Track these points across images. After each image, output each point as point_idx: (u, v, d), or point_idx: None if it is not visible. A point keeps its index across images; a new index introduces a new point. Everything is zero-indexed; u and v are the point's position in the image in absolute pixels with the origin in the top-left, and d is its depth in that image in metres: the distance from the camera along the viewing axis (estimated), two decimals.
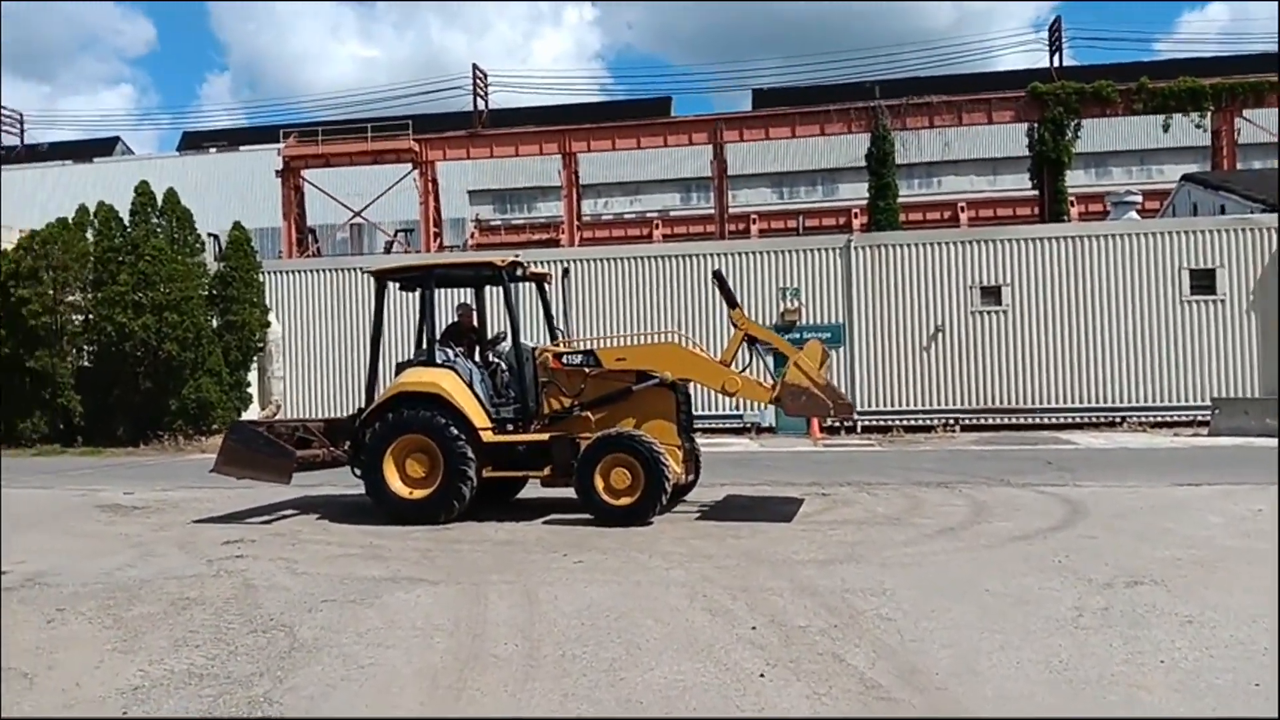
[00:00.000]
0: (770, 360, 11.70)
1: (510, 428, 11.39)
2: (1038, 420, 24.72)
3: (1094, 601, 6.86)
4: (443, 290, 13.27)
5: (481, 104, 52.07)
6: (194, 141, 67.26)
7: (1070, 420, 24.56)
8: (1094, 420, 24.48)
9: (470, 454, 10.88)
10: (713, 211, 45.76)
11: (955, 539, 9.47)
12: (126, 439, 24.34)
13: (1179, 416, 24.11)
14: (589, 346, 11.65)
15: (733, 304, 11.45)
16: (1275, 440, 17.92)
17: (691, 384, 11.85)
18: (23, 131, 66.73)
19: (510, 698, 5.24)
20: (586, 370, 11.24)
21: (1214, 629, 6.14)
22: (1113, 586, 7.30)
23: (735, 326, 11.30)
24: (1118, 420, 24.38)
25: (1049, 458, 17.66)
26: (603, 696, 5.21)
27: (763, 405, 24.72)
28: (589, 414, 11.21)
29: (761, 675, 5.43)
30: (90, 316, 25.21)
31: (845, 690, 5.18)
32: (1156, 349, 24.62)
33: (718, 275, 11.80)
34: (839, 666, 5.55)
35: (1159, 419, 24.20)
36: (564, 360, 11.31)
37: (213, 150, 62.53)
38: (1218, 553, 8.52)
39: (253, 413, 25.62)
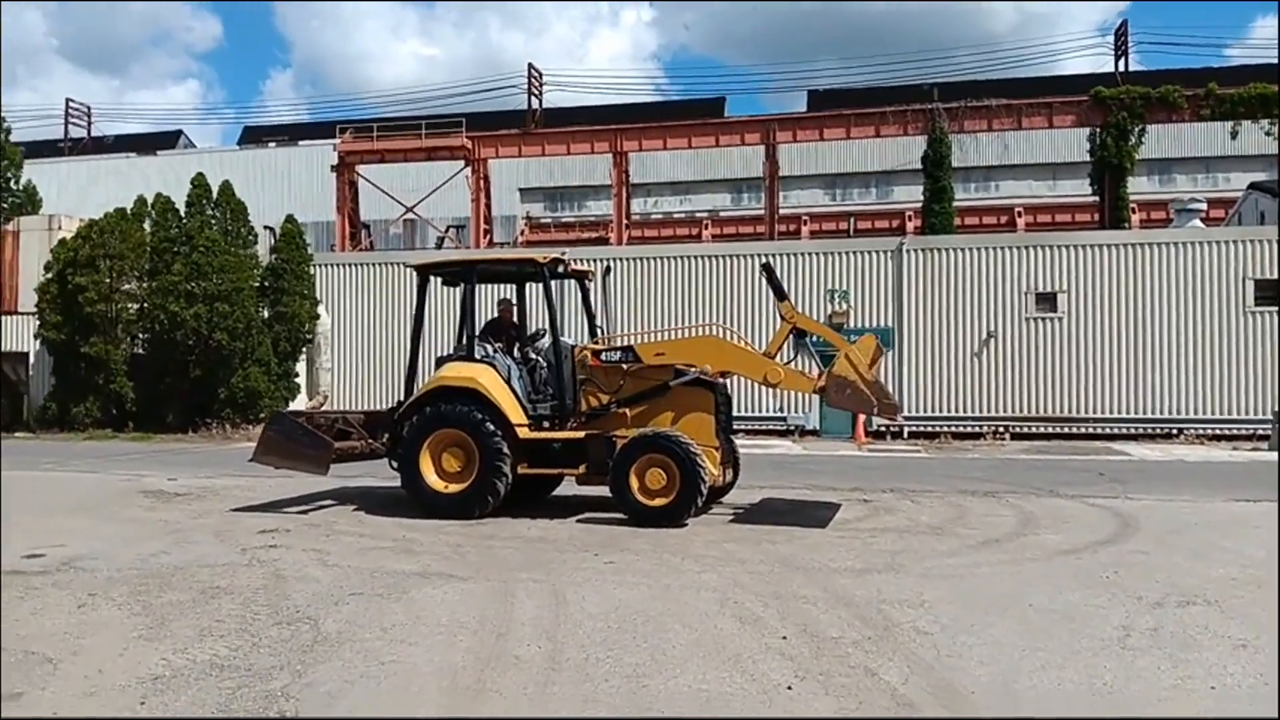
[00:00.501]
0: (816, 360, 11.37)
1: (547, 425, 11.30)
2: (1091, 430, 24.11)
3: (1143, 621, 6.56)
4: (484, 286, 13.27)
5: (536, 103, 52.20)
6: (254, 136, 68.26)
7: (1125, 431, 23.93)
8: (1149, 431, 23.81)
9: (506, 450, 10.80)
10: (763, 212, 45.38)
11: (1000, 551, 9.17)
12: (176, 426, 24.75)
13: (1238, 430, 23.37)
14: (628, 343, 11.49)
15: (781, 296, 11.23)
16: (1276, 454, 17.15)
17: (734, 380, 11.65)
18: (90, 124, 68.19)
19: (529, 701, 5.11)
20: (625, 366, 11.10)
21: (1269, 654, 5.82)
22: (1163, 606, 6.99)
23: (783, 319, 11.04)
24: (1174, 432, 23.70)
25: (1101, 469, 17.17)
26: (623, 704, 5.05)
27: (807, 396, 24.48)
28: (626, 411, 11.06)
29: (789, 688, 5.24)
30: (144, 305, 25.67)
31: (875, 707, 4.97)
32: (1217, 360, 23.89)
33: (766, 267, 11.60)
34: (870, 681, 5.34)
35: (1217, 432, 23.48)
36: (602, 357, 11.18)
37: (272, 145, 63.39)
38: (1275, 573, 8.13)
39: (300, 403, 25.90)
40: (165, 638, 6.38)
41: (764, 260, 12.67)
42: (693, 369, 10.89)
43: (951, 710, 4.93)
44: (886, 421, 10.86)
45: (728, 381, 11.65)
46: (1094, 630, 6.32)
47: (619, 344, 11.51)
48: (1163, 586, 7.56)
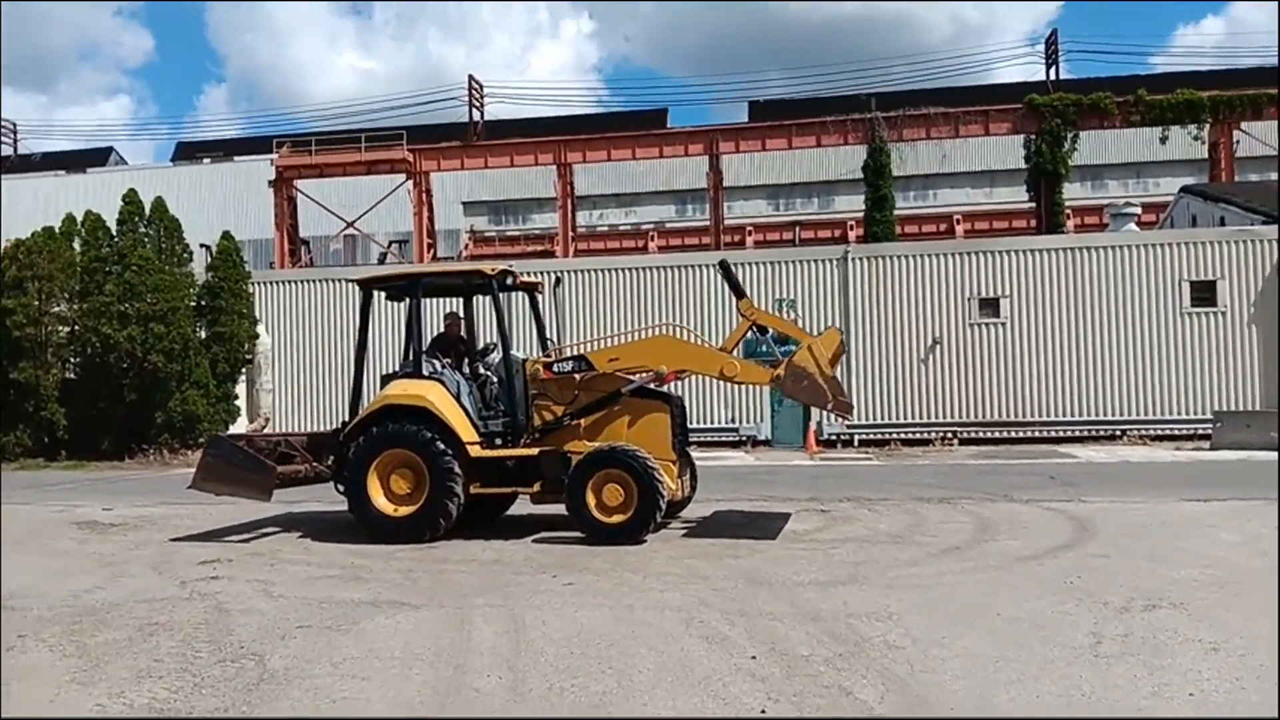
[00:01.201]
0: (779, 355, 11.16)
1: (499, 442, 11.01)
2: (1036, 434, 24.38)
3: (1112, 627, 6.49)
4: (431, 300, 12.95)
5: (477, 115, 51.82)
6: (188, 152, 66.85)
7: (1069, 434, 24.24)
8: (1093, 434, 24.15)
9: (457, 470, 10.49)
10: (708, 223, 45.47)
11: (962, 559, 9.10)
12: (111, 453, 23.90)
13: (1180, 430, 23.78)
14: (579, 352, 11.26)
15: (740, 294, 11.08)
16: (1277, 454, 17.57)
17: (686, 392, 11.49)
18: (16, 141, 66.33)
19: None
20: (578, 376, 10.87)
21: (1242, 657, 5.78)
22: (1130, 610, 6.94)
23: (743, 316, 10.88)
24: (1117, 434, 24.05)
25: (1051, 472, 17.31)
26: None
27: (758, 406, 24.43)
28: (581, 423, 10.83)
29: (763, 711, 5.05)
30: (75, 327, 24.81)
31: None
32: (1157, 361, 24.32)
33: (724, 265, 11.49)
34: (846, 701, 5.17)
35: (1159, 432, 23.87)
36: (555, 369, 10.94)
37: (206, 161, 62.18)
38: (1236, 573, 8.16)
39: (241, 426, 25.20)
40: (100, 680, 6.01)
41: (721, 259, 12.50)
42: (648, 372, 10.70)
43: None
44: (840, 418, 10.72)
45: (682, 394, 11.49)
46: (1065, 638, 6.24)
47: (570, 354, 11.28)
48: (1126, 591, 7.52)
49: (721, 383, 25.04)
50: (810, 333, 24.44)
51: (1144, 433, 23.89)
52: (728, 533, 10.83)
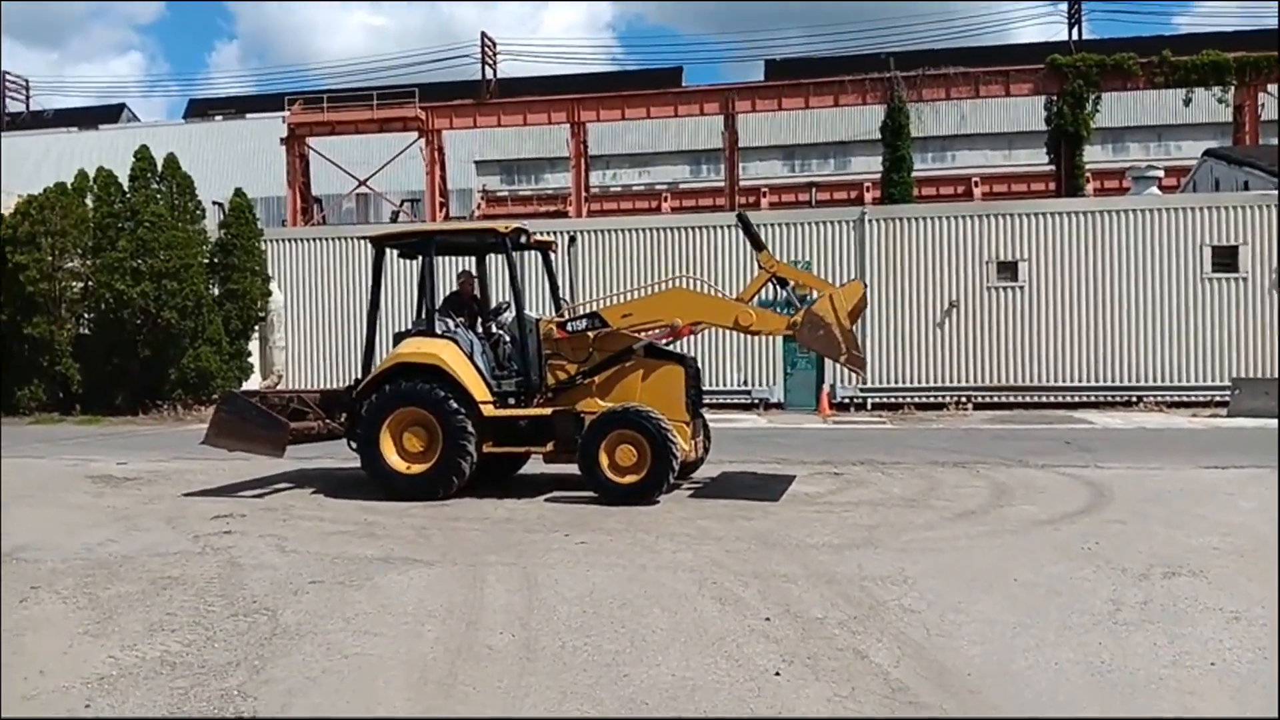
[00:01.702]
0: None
1: (512, 401, 10.95)
2: (1052, 399, 24.20)
3: (1131, 594, 6.42)
4: (444, 259, 12.85)
5: (490, 73, 51.34)
6: (200, 109, 66.56)
7: (1085, 399, 24.05)
8: (1110, 399, 23.97)
9: (470, 428, 10.45)
10: (723, 184, 45.08)
11: (977, 523, 9.03)
12: (125, 408, 23.99)
13: (1197, 396, 23.57)
14: (593, 309, 11.14)
15: (759, 246, 10.92)
16: (1277, 424, 17.34)
17: (699, 353, 11.37)
18: (29, 97, 66.15)
19: (504, 695, 4.83)
20: (591, 334, 10.78)
21: (1264, 626, 5.70)
22: (1149, 577, 6.85)
23: (761, 268, 10.71)
24: (1134, 400, 23.86)
25: (1067, 437, 17.19)
26: (603, 695, 4.79)
27: (772, 368, 24.32)
28: (595, 380, 10.73)
29: (777, 674, 5.00)
30: (89, 283, 24.79)
31: (869, 692, 4.75)
32: (1176, 327, 24.05)
33: (742, 217, 11.33)
34: (861, 664, 5.12)
35: (1176, 399, 23.67)
36: (568, 327, 10.84)
37: (218, 118, 61.86)
38: (1256, 541, 8.06)
39: (254, 383, 25.24)
40: (113, 633, 6.01)
41: (739, 211, 12.33)
42: (662, 326, 10.56)
43: (951, 695, 4.72)
44: (852, 373, 10.53)
45: (695, 355, 11.37)
46: (1083, 605, 6.16)
47: (583, 312, 11.16)
48: (1145, 557, 7.43)
49: (734, 344, 25.07)
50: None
51: (1161, 399, 23.69)
52: (740, 494, 10.78)
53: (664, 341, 10.94)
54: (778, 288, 10.77)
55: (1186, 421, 20.68)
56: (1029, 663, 5.12)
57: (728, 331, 10.87)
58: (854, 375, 24.57)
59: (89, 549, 8.42)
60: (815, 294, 10.66)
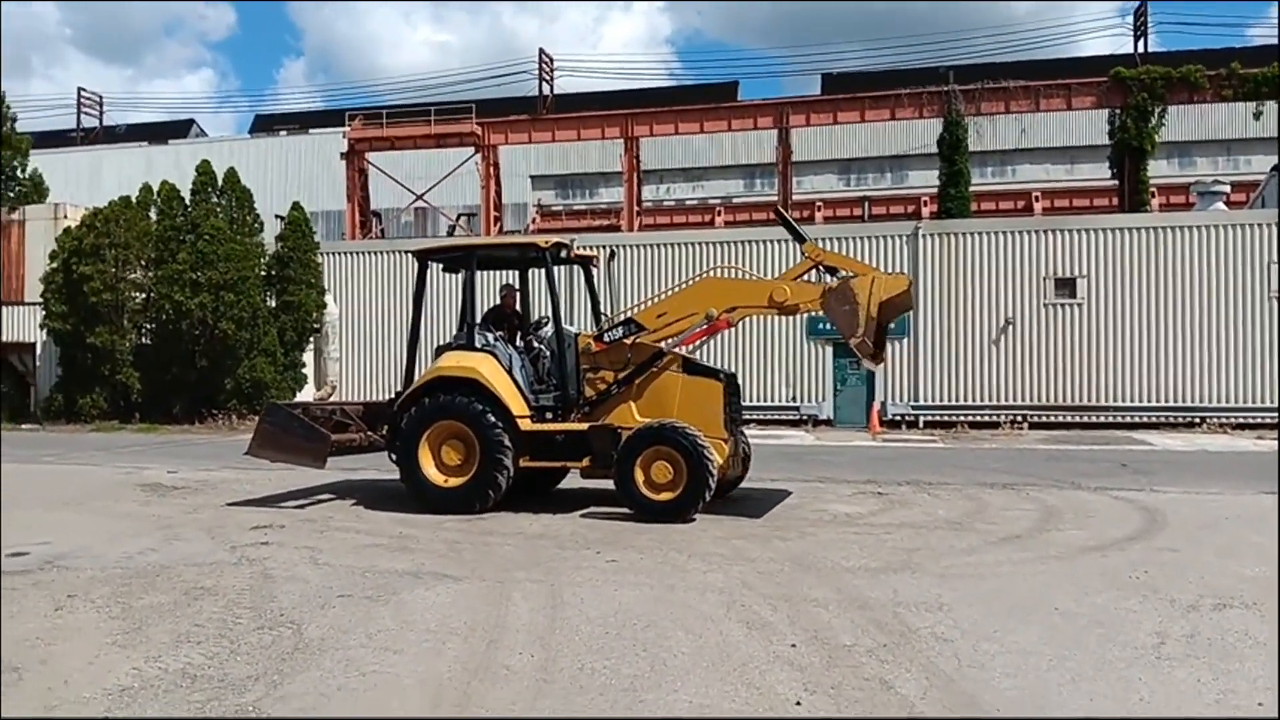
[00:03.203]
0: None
1: (549, 416, 10.90)
2: (1111, 419, 23.57)
3: (1177, 627, 6.14)
4: (488, 273, 12.89)
5: (547, 89, 51.70)
6: (265, 125, 68.01)
7: (1146, 420, 23.37)
8: (1171, 420, 23.26)
9: (507, 442, 10.43)
10: (776, 198, 44.77)
11: (1022, 548, 8.75)
12: (182, 417, 24.52)
13: (1262, 419, 22.78)
14: (628, 315, 11.03)
15: (801, 239, 10.71)
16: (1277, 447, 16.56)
17: (746, 370, 11.21)
18: (102, 113, 68.07)
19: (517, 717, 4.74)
20: (628, 340, 10.69)
21: None
22: (1198, 609, 6.56)
23: (805, 257, 10.45)
24: (1197, 421, 23.14)
25: (1123, 459, 16.69)
26: None
27: (821, 386, 24.01)
28: (632, 399, 10.61)
29: (798, 703, 4.85)
30: (150, 294, 25.41)
31: None
32: (1241, 346, 23.29)
33: (779, 211, 11.18)
34: (886, 696, 4.95)
35: (1240, 420, 22.91)
36: (605, 337, 10.77)
37: (282, 133, 63.12)
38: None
39: (308, 393, 25.63)
40: (140, 644, 6.05)
41: (776, 206, 12.17)
42: (696, 318, 10.42)
43: None
44: (863, 360, 10.18)
45: (738, 372, 11.19)
46: (1126, 637, 5.91)
47: (619, 320, 11.05)
48: (1196, 587, 7.13)
49: (783, 359, 24.81)
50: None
51: (1225, 420, 22.95)
52: (779, 514, 10.60)
53: (702, 339, 10.77)
54: (825, 275, 10.49)
55: (1251, 444, 19.99)
56: (1062, 698, 4.90)
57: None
58: (904, 392, 24.26)
59: (129, 557, 8.54)
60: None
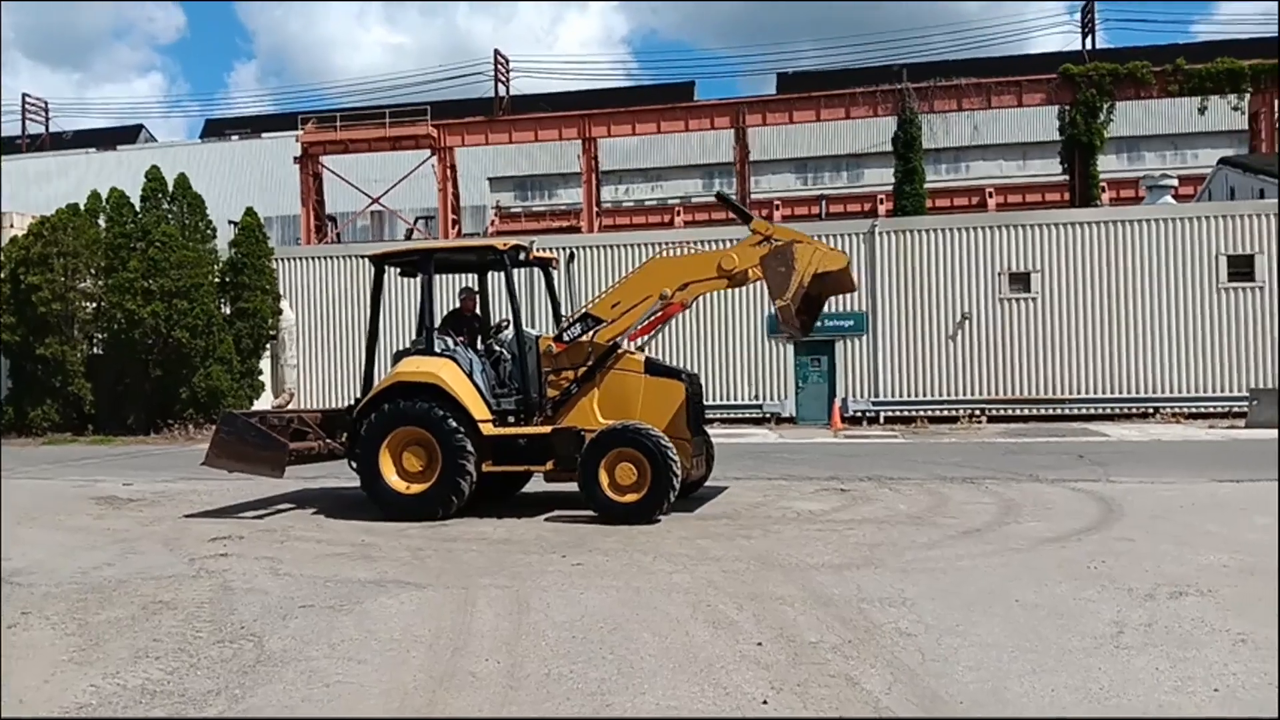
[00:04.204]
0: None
1: (512, 420, 10.86)
2: (1067, 411, 23.97)
3: (1135, 615, 6.25)
4: (447, 276, 12.81)
5: (503, 90, 51.51)
6: (216, 129, 67.11)
7: (1101, 411, 23.80)
8: (1126, 411, 23.72)
9: (469, 447, 10.37)
10: (735, 198, 44.95)
11: (982, 541, 8.86)
12: (137, 427, 24.12)
13: (1215, 408, 23.30)
14: (581, 312, 10.98)
15: (747, 218, 10.84)
16: (1278, 435, 17.02)
17: (709, 369, 11.23)
18: (48, 119, 66.75)
19: None
20: (586, 339, 10.68)
21: (1272, 649, 5.51)
22: (1155, 597, 6.68)
23: (754, 233, 10.53)
24: (1150, 411, 23.61)
25: (1080, 451, 16.95)
26: None
27: (782, 384, 24.16)
28: (595, 398, 10.58)
29: (765, 702, 4.87)
30: (101, 304, 24.95)
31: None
32: (1192, 337, 23.80)
33: (720, 195, 11.26)
34: (852, 692, 4.98)
35: (1193, 410, 23.41)
36: (564, 336, 10.74)
37: (234, 137, 62.32)
38: (1268, 559, 7.84)
39: (265, 401, 25.31)
40: (98, 660, 5.93)
41: (717, 190, 12.23)
42: (651, 300, 10.45)
43: None
44: (783, 325, 10.39)
45: (700, 371, 11.22)
46: (1085, 627, 6.00)
47: (575, 317, 11.01)
48: (1152, 576, 7.26)
49: (745, 357, 24.89)
50: (834, 308, 24.26)
51: (1178, 410, 23.44)
52: (743, 512, 10.65)
53: (658, 326, 10.80)
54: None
55: (1204, 433, 20.40)
56: (1024, 688, 4.96)
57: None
58: (864, 389, 24.45)
59: (84, 572, 8.37)
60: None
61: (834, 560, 8.09)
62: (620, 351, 10.76)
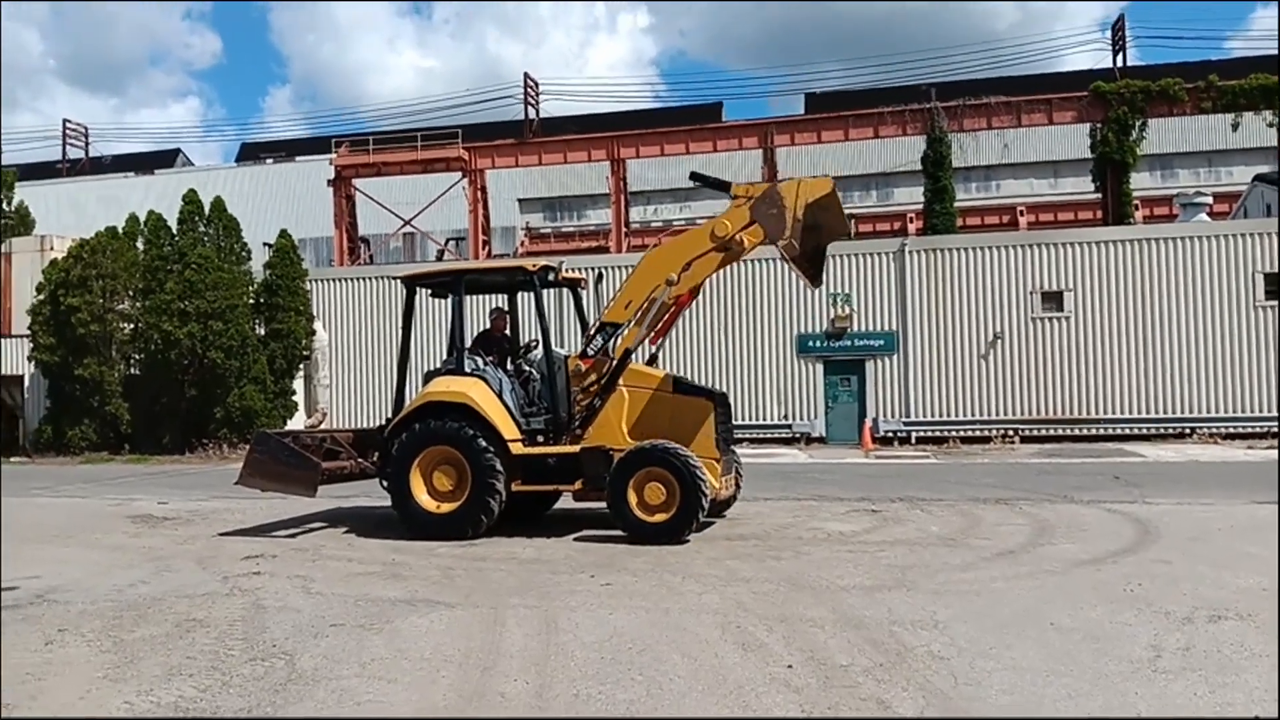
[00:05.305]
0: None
1: (541, 439, 10.89)
2: (1102, 431, 23.69)
3: (1173, 639, 6.14)
4: (478, 297, 12.89)
5: (533, 113, 51.92)
6: (251, 153, 68.10)
7: (1136, 431, 23.49)
8: (1161, 431, 23.38)
9: (499, 466, 10.40)
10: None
11: (1016, 563, 8.75)
12: (173, 446, 24.43)
13: (1252, 428, 22.93)
14: (598, 323, 10.94)
15: (726, 187, 10.78)
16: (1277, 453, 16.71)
17: (738, 389, 11.21)
18: (88, 144, 68.08)
19: None
20: (611, 346, 10.70)
21: None
22: (1193, 621, 6.57)
23: (737, 197, 10.43)
24: (1187, 431, 23.26)
25: (1115, 471, 16.74)
26: None
27: (813, 404, 24.07)
28: (623, 413, 10.55)
29: None
30: (138, 325, 25.35)
31: None
32: (1228, 356, 23.46)
33: (695, 174, 11.23)
34: (883, 715, 4.93)
35: (1231, 430, 23.04)
36: (589, 351, 10.76)
37: (269, 161, 63.23)
38: None
39: (298, 421, 25.55)
40: (132, 678, 5.99)
41: (691, 171, 12.17)
42: (659, 290, 10.40)
43: None
44: (789, 264, 10.27)
45: (729, 391, 11.19)
46: (1121, 651, 5.91)
47: (594, 329, 10.97)
48: (1190, 599, 7.14)
49: (774, 377, 24.81)
50: (865, 327, 24.15)
51: (1215, 430, 23.07)
52: (772, 533, 10.59)
53: (672, 324, 10.75)
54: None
55: (1242, 454, 20.07)
56: (1059, 713, 4.89)
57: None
58: (895, 409, 24.28)
59: (119, 590, 8.47)
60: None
61: (865, 582, 8.03)
62: (630, 362, 10.71)
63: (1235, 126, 40.09)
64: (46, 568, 9.56)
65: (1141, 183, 43.72)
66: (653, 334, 10.84)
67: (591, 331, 10.95)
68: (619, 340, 10.70)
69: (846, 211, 11.32)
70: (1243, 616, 6.64)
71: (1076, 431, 23.76)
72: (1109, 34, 46.48)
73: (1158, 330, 23.77)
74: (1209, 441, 22.61)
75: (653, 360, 11.52)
